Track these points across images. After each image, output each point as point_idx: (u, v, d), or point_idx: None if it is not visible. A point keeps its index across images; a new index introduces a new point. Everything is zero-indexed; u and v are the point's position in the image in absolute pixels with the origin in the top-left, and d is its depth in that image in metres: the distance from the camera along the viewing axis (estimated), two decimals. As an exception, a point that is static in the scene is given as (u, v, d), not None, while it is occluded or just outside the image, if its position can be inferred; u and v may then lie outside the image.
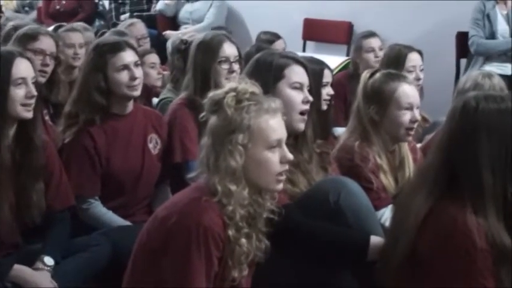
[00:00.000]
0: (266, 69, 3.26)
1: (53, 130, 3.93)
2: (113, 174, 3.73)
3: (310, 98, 3.24)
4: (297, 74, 3.26)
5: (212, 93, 2.67)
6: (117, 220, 3.67)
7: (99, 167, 3.71)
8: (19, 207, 3.30)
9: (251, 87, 2.67)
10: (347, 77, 5.68)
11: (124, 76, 3.71)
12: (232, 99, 2.60)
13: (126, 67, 3.73)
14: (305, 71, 3.29)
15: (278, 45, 6.04)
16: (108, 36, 4.97)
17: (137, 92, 3.76)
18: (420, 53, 5.06)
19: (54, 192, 3.44)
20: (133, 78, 3.72)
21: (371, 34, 5.84)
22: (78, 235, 3.51)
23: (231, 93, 2.62)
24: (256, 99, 2.63)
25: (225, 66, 4.02)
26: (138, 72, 3.76)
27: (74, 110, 3.75)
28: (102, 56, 3.74)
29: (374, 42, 5.76)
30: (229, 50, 4.06)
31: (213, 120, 2.62)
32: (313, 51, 7.29)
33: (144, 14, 7.90)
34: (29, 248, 3.39)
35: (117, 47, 3.76)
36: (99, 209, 3.69)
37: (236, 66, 4.05)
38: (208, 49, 4.05)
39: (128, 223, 3.68)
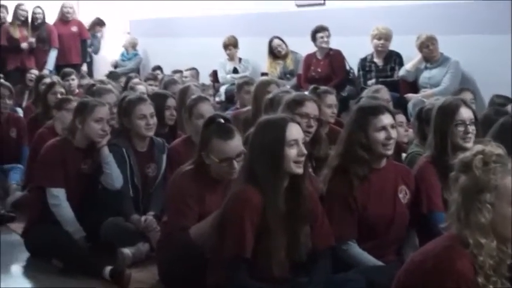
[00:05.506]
0: (510, 131, 3.21)
1: (316, 181, 3.97)
2: (368, 219, 3.74)
3: None
4: None
5: (462, 156, 2.63)
6: (372, 260, 3.67)
7: (356, 213, 3.73)
8: (289, 247, 3.40)
9: (496, 149, 2.61)
10: None
11: (381, 136, 3.73)
12: (480, 161, 2.55)
13: (384, 128, 3.74)
14: None
15: (510, 108, 5.82)
16: (367, 100, 5.01)
17: (390, 151, 3.77)
18: None
19: (318, 233, 3.52)
20: (389, 138, 3.73)
21: None
22: (336, 272, 3.55)
23: (478, 155, 2.57)
24: (501, 161, 2.56)
25: (461, 128, 3.93)
26: (394, 133, 3.76)
27: (339, 163, 3.79)
28: (365, 117, 3.77)
29: None
30: (465, 113, 3.96)
31: (462, 179, 2.58)
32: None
33: (388, 79, 7.90)
34: (297, 281, 3.47)
35: (378, 110, 3.79)
36: (356, 250, 3.70)
37: (471, 128, 3.94)
38: (446, 113, 3.98)
39: (380, 263, 3.66)
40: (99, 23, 12.44)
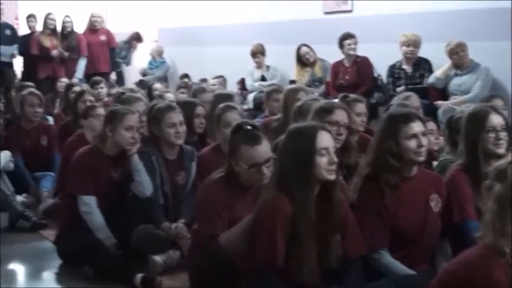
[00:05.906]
0: None
1: (346, 188, 3.93)
2: (399, 228, 3.70)
3: None
4: None
5: (497, 164, 2.59)
6: (404, 269, 3.63)
7: (387, 222, 3.70)
8: (320, 255, 3.39)
9: None
10: None
11: (413, 143, 3.69)
12: None
13: (414, 136, 3.70)
14: None
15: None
16: (397, 108, 4.97)
17: (422, 158, 3.72)
18: None
19: (349, 241, 3.51)
20: (420, 145, 3.69)
21: None
22: (368, 281, 3.54)
23: (514, 163, 2.53)
24: None
25: (492, 134, 3.89)
26: (425, 140, 3.72)
27: (369, 171, 3.76)
28: (396, 124, 3.74)
29: None
30: (495, 120, 3.93)
31: (497, 187, 2.54)
32: None
33: (417, 86, 7.85)
34: (327, 289, 3.47)
35: (408, 118, 3.74)
36: (387, 258, 3.66)
37: (503, 134, 3.90)
38: (476, 120, 3.95)
39: (412, 272, 3.63)
40: (137, 38, 12.46)
